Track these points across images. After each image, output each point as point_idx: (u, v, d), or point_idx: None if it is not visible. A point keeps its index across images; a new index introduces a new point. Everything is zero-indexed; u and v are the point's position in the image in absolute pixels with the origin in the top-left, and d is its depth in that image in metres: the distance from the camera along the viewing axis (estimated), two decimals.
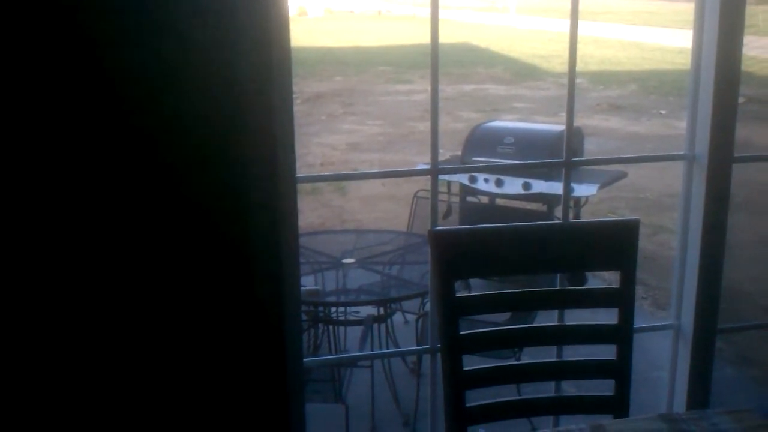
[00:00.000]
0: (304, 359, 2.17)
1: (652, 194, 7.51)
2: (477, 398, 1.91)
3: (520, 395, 2.79)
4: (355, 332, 3.78)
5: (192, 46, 1.76)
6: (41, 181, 1.77)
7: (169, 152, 1.82)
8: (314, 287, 3.51)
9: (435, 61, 2.12)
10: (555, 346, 2.42)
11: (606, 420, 1.67)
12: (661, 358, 2.62)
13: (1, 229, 1.78)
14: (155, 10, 1.73)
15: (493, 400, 1.92)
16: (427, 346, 2.40)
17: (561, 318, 2.32)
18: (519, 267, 2.00)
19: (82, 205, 1.81)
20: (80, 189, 1.79)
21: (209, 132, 1.82)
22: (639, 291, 5.22)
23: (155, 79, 1.77)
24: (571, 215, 5.34)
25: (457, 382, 1.87)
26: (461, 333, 1.87)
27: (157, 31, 1.75)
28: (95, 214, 1.82)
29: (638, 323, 2.67)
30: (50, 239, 1.81)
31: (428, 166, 2.25)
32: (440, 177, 5.55)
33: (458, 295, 1.87)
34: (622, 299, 1.90)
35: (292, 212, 1.96)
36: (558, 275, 2.37)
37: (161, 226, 1.86)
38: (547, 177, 5.04)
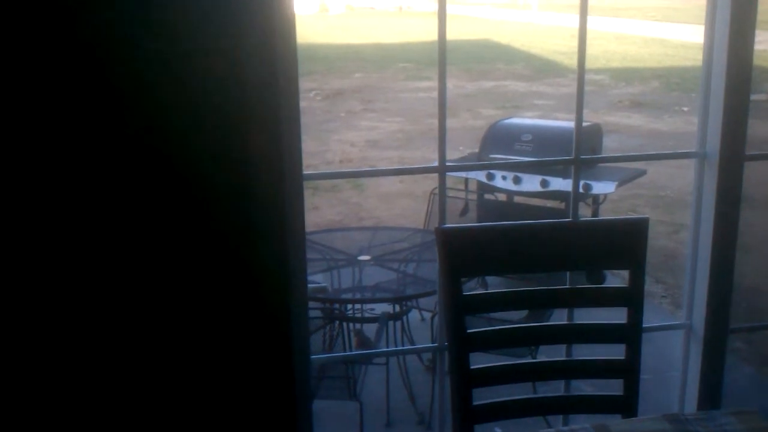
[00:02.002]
0: (312, 356, 2.18)
1: (673, 192, 7.46)
2: (488, 396, 1.90)
3: (535, 393, 2.79)
4: (371, 330, 3.78)
5: (196, 42, 1.77)
6: (48, 179, 1.79)
7: (175, 149, 1.83)
8: (321, 284, 3.51)
9: (443, 58, 2.12)
10: (569, 345, 2.41)
11: (612, 420, 1.66)
12: (678, 358, 2.60)
13: (8, 231, 1.80)
14: (158, 6, 1.74)
15: (501, 399, 1.91)
16: (435, 344, 2.40)
17: (570, 317, 2.31)
18: (526, 265, 1.99)
19: (91, 205, 1.82)
20: (88, 189, 1.81)
21: (215, 129, 1.83)
22: (659, 290, 5.19)
23: (159, 77, 1.78)
24: (589, 213, 5.33)
25: (464, 380, 1.87)
26: (468, 331, 1.86)
27: (160, 28, 1.75)
28: (102, 214, 1.83)
29: (657, 322, 2.65)
30: (56, 233, 1.82)
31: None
32: (457, 174, 5.53)
33: (465, 293, 1.87)
34: (632, 298, 1.89)
35: (299, 209, 1.97)
36: (567, 273, 2.35)
37: (167, 223, 1.87)
38: (565, 174, 5.01)
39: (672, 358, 2.69)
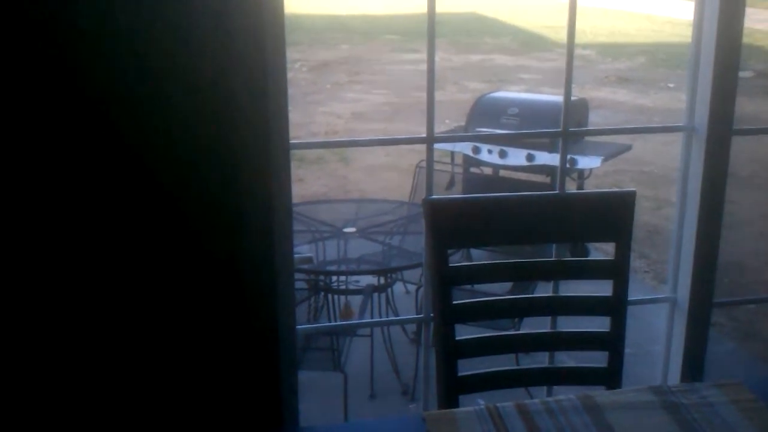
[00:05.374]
0: (298, 326, 2.17)
1: (658, 168, 7.47)
2: (472, 368, 1.91)
3: (518, 365, 2.80)
4: (356, 301, 3.79)
5: (183, 12, 1.75)
6: (21, 168, 1.77)
7: (162, 119, 1.82)
8: (307, 255, 3.51)
9: (432, 28, 2.10)
10: (553, 318, 2.42)
11: (597, 391, 1.67)
12: (659, 333, 2.62)
13: None
14: None
15: (485, 370, 1.92)
16: (421, 315, 2.40)
17: (556, 289, 2.32)
18: (513, 237, 1.99)
19: (73, 188, 1.80)
20: (69, 166, 1.79)
21: (201, 100, 1.81)
22: (642, 265, 5.22)
23: (144, 50, 1.76)
24: (574, 188, 5.34)
25: (449, 351, 1.87)
26: (454, 302, 1.86)
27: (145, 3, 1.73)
28: (86, 197, 1.82)
29: (639, 296, 2.67)
30: (35, 228, 1.81)
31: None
32: (443, 147, 5.53)
33: (451, 264, 1.87)
34: (617, 271, 1.89)
35: (286, 179, 1.96)
36: (553, 246, 2.35)
37: (153, 195, 1.85)
38: (551, 149, 5.01)
39: (654, 333, 2.71)
